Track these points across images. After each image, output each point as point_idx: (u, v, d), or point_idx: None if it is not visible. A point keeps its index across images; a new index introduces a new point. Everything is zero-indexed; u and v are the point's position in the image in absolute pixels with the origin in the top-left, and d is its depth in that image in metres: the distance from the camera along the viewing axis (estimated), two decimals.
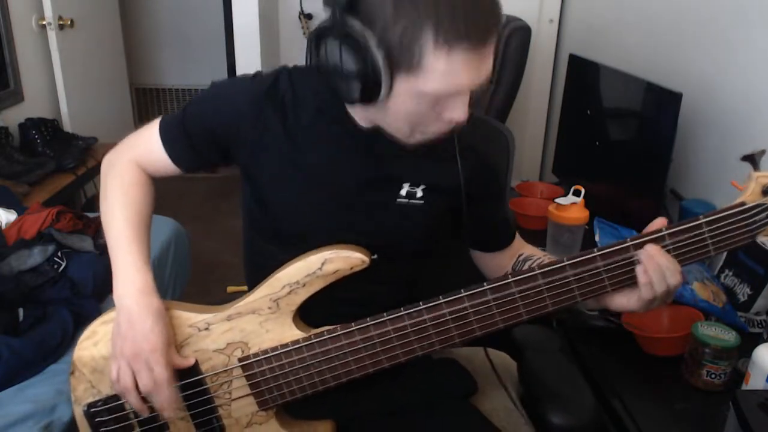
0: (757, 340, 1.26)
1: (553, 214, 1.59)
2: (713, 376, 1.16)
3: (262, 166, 0.93)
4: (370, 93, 0.77)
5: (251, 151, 0.92)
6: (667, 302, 0.86)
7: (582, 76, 2.12)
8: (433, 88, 0.76)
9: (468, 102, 0.79)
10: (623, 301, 0.87)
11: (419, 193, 0.93)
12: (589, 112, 2.06)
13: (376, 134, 0.87)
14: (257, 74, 0.95)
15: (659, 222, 0.85)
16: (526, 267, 1.01)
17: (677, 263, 0.83)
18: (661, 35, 2.00)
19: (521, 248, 1.09)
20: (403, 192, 0.93)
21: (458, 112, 0.79)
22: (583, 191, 1.57)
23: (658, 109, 1.67)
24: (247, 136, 0.91)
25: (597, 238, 1.74)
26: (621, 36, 2.28)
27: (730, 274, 1.44)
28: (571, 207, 1.57)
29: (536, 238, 1.69)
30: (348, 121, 0.89)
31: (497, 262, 1.09)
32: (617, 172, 1.88)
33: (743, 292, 1.38)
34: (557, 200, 1.59)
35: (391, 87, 0.76)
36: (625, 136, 1.91)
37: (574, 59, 2.20)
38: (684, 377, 1.21)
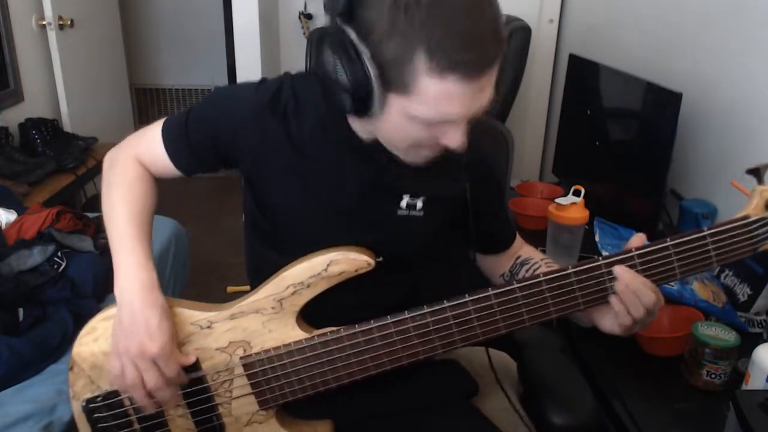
0: (757, 340, 1.27)
1: (553, 214, 1.59)
2: (713, 376, 1.16)
3: (263, 175, 0.93)
4: (363, 106, 0.76)
5: (252, 161, 0.92)
6: (647, 323, 0.87)
7: (582, 76, 2.12)
8: (424, 114, 0.74)
9: (465, 129, 0.78)
10: (607, 324, 0.88)
11: (419, 205, 0.93)
12: (589, 112, 2.06)
13: (377, 145, 0.87)
14: (262, 82, 0.94)
15: (638, 239, 0.85)
16: (523, 271, 1.03)
17: (649, 282, 0.83)
18: (661, 35, 2.00)
19: (520, 248, 1.10)
20: (403, 204, 0.93)
21: (453, 140, 0.78)
22: (583, 191, 1.57)
23: (658, 109, 1.67)
24: (248, 146, 0.91)
25: (597, 238, 1.74)
26: (621, 36, 2.28)
27: (730, 274, 1.44)
28: (571, 207, 1.57)
29: (536, 238, 1.69)
30: (349, 132, 0.89)
31: (497, 263, 1.09)
32: (617, 172, 1.88)
33: (743, 292, 1.38)
34: (557, 200, 1.59)
35: (383, 103, 0.76)
36: (625, 136, 1.91)
37: (574, 59, 2.20)
38: (684, 377, 1.21)
